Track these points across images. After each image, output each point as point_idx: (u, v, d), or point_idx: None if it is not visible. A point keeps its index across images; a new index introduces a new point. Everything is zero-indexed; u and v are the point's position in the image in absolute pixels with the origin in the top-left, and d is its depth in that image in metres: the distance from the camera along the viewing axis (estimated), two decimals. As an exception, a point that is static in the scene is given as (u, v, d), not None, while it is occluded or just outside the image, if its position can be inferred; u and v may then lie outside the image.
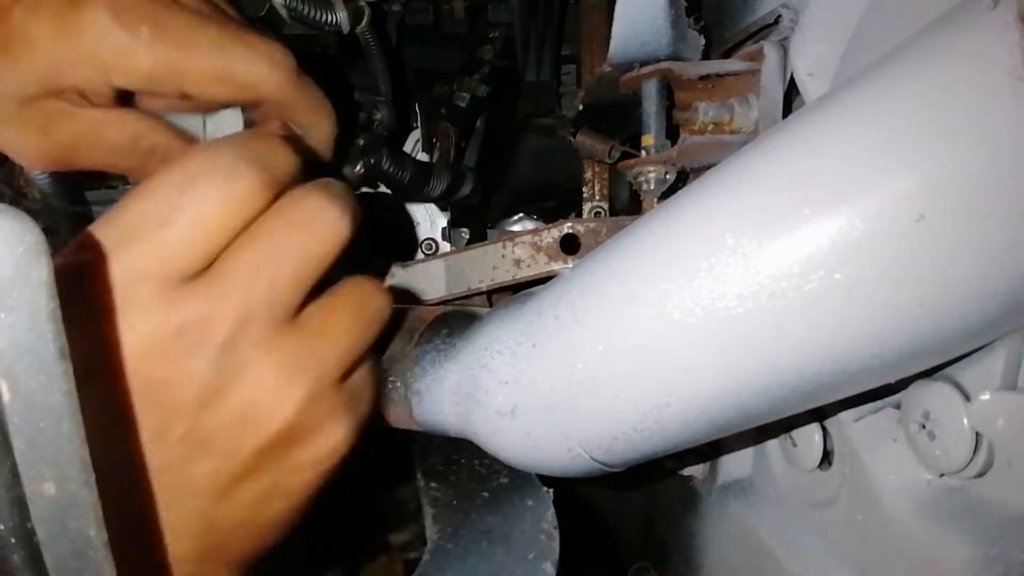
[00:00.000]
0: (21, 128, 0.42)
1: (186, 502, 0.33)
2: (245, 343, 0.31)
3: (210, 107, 0.50)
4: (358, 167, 0.59)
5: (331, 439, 0.34)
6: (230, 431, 0.32)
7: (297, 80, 0.46)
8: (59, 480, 0.18)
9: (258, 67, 0.43)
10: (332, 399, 0.34)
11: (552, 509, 0.40)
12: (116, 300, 0.29)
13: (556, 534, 0.38)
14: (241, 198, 0.31)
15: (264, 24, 0.72)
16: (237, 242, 0.31)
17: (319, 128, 0.49)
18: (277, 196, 0.33)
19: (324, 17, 0.62)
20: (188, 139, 0.48)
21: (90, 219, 0.86)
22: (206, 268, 0.31)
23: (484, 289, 0.58)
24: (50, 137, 0.43)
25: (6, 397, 0.18)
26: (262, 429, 0.33)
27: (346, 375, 0.35)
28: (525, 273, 0.54)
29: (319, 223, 0.33)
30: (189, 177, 0.30)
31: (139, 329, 0.30)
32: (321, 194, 0.34)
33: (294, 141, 0.36)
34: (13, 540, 0.18)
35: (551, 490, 0.43)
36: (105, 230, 0.30)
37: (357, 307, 0.36)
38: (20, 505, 0.18)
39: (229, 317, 0.31)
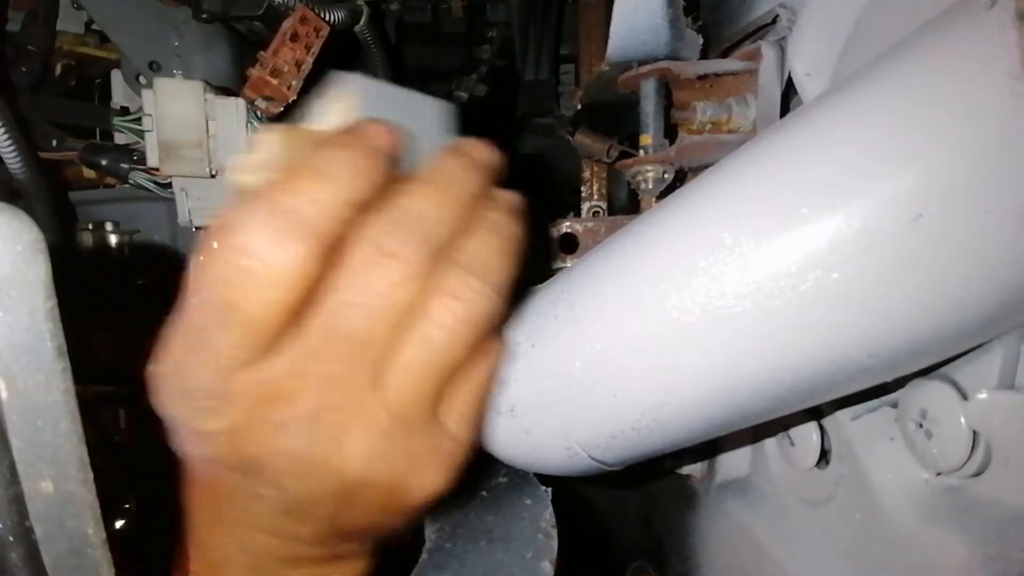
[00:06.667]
0: None
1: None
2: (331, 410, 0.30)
3: None
4: None
5: (422, 492, 0.33)
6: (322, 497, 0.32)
7: None
8: (57, 478, 0.18)
9: None
10: (429, 451, 0.33)
11: (550, 508, 0.40)
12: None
13: (554, 533, 0.38)
14: (285, 273, 0.28)
15: (263, 22, 0.72)
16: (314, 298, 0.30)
17: None
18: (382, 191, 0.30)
19: (322, 16, 0.62)
20: None
21: (72, 212, 0.85)
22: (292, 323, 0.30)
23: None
24: None
25: (4, 396, 0.18)
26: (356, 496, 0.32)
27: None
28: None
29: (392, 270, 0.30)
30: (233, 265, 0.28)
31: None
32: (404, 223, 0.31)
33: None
34: (11, 538, 0.18)
35: (549, 489, 0.43)
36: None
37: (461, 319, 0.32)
38: (18, 503, 0.18)
39: (308, 386, 0.30)
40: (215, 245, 0.28)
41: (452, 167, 0.34)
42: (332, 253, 0.29)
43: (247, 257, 0.27)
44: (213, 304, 0.28)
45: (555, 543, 0.37)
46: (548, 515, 0.40)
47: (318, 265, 0.29)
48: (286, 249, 0.28)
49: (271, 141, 0.31)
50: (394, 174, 0.32)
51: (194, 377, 0.29)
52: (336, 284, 0.30)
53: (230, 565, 0.35)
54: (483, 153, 0.35)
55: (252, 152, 0.32)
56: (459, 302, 0.31)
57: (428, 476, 0.33)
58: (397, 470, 0.32)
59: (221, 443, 0.31)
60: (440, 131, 0.37)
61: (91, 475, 0.19)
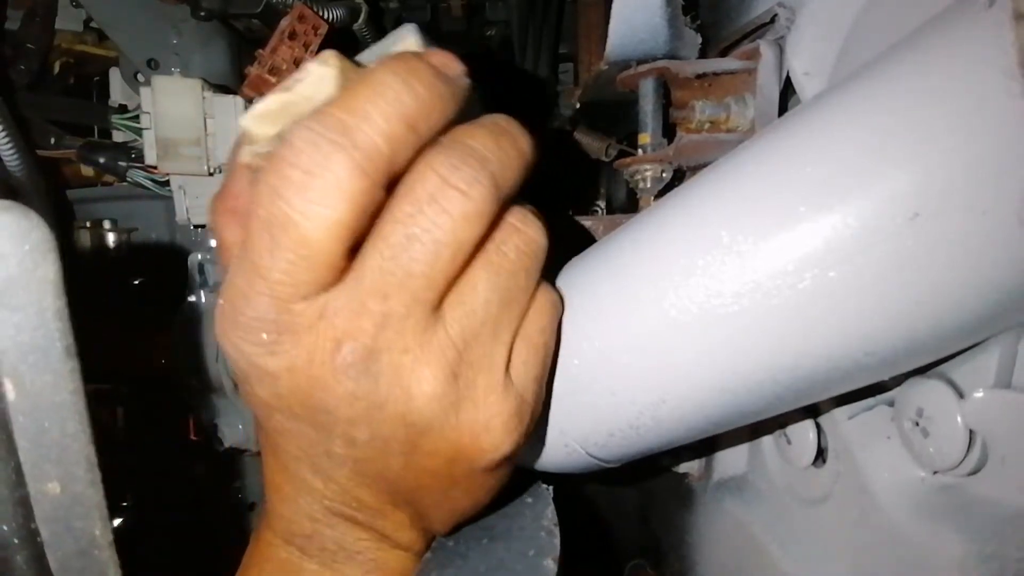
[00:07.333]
0: None
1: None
2: (393, 351, 0.30)
3: None
4: None
5: (487, 450, 0.32)
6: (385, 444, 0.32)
7: None
8: (64, 479, 0.18)
9: None
10: (499, 401, 0.32)
11: (552, 506, 0.40)
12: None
13: (556, 531, 0.38)
14: (344, 201, 0.27)
15: (261, 20, 0.72)
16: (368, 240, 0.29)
17: None
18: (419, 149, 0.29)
19: (321, 14, 0.62)
20: None
21: (70, 210, 0.85)
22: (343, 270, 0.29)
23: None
24: None
25: (11, 396, 0.18)
26: (423, 445, 0.32)
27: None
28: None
29: (453, 204, 0.29)
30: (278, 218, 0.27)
31: (286, 353, 0.29)
32: (459, 167, 0.29)
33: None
34: (16, 540, 0.18)
35: (551, 487, 0.43)
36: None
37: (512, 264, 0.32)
38: (24, 505, 0.18)
39: (370, 324, 0.29)
40: (265, 163, 0.28)
41: (508, 124, 0.32)
42: (391, 179, 0.28)
43: (295, 168, 0.27)
44: (264, 223, 0.27)
45: (557, 541, 0.37)
46: (550, 513, 0.40)
47: (371, 185, 0.27)
48: (334, 161, 0.26)
49: (321, 76, 0.29)
50: (458, 108, 0.30)
51: (251, 307, 0.28)
52: (397, 215, 0.29)
53: (300, 540, 0.35)
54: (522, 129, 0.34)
55: (290, 89, 0.29)
56: (519, 235, 0.32)
57: (495, 432, 0.32)
58: (462, 419, 0.31)
59: (284, 386, 0.30)
60: (478, 110, 0.36)
61: (99, 476, 0.19)
